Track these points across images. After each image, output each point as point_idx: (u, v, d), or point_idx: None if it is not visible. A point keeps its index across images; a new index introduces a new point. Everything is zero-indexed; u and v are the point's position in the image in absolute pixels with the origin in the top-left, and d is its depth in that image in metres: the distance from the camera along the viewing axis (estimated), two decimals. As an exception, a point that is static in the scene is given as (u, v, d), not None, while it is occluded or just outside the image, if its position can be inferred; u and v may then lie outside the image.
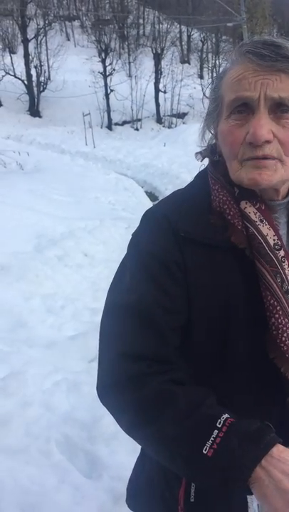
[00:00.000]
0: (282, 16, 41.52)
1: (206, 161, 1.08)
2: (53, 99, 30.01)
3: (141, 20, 40.12)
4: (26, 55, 29.57)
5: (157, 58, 31.04)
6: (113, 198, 10.01)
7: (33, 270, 4.88)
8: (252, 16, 28.23)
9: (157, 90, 30.37)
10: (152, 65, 31.11)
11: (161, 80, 30.95)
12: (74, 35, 41.00)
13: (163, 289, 0.94)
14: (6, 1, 30.88)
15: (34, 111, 30.11)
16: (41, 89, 30.48)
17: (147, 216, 1.03)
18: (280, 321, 0.91)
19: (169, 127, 28.75)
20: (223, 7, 21.50)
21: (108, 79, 29.56)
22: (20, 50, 31.07)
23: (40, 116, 30.05)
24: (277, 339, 0.91)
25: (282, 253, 0.93)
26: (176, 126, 27.91)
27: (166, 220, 0.97)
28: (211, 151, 1.04)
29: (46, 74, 31.17)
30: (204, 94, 30.64)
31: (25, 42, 29.82)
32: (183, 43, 39.90)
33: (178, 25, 37.50)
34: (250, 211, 0.94)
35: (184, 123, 28.52)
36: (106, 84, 29.54)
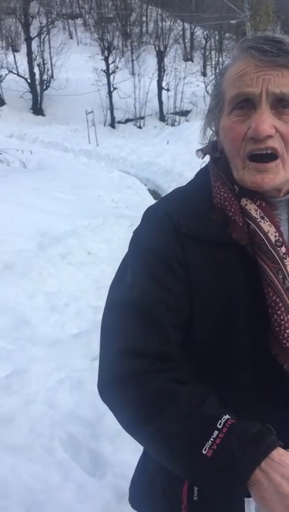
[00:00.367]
0: (286, 13, 41.32)
1: (207, 158, 1.07)
2: (56, 97, 30.02)
3: (144, 18, 40.03)
4: (29, 53, 29.56)
5: (160, 56, 30.97)
6: (116, 196, 10.01)
7: (36, 268, 4.88)
8: (255, 13, 28.14)
9: (160, 88, 30.31)
10: (155, 62, 31.04)
11: (164, 77, 30.88)
12: (77, 33, 40.95)
13: (165, 286, 0.93)
14: (9, 0, 30.88)
15: (37, 109, 30.12)
16: (44, 87, 30.49)
17: (149, 213, 1.03)
18: (282, 317, 0.91)
19: (172, 125, 28.69)
20: (226, 4, 21.44)
21: (111, 77, 29.53)
22: (24, 49, 31.06)
23: (43, 115, 30.06)
24: (279, 336, 0.91)
25: (283, 250, 0.93)
26: (179, 124, 27.88)
27: (168, 217, 0.97)
28: (213, 148, 1.04)
29: (49, 72, 31.17)
30: (207, 91, 30.57)
31: (28, 40, 29.81)
32: (186, 41, 39.77)
33: (181, 23, 37.39)
34: (251, 208, 0.94)
35: (187, 121, 28.47)
36: (109, 82, 29.50)
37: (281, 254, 0.92)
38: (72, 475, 2.31)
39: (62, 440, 2.50)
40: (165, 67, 31.10)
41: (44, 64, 30.67)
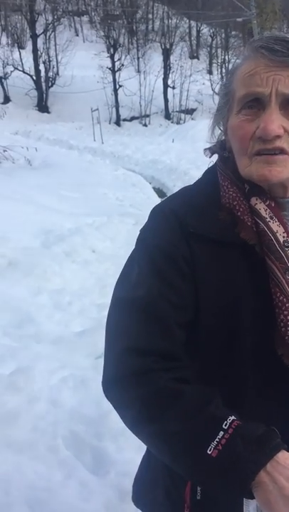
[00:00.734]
0: (293, 11, 41.13)
1: (215, 157, 1.07)
2: (62, 94, 30.04)
3: (150, 16, 39.98)
4: (35, 50, 29.60)
5: (166, 54, 30.93)
6: (121, 194, 10.01)
7: (40, 266, 4.89)
8: (262, 11, 28.02)
9: (166, 86, 30.28)
10: (161, 60, 31.01)
11: (170, 75, 30.86)
12: (83, 30, 40.96)
13: (170, 284, 0.94)
14: (15, -4, 30.90)
15: (42, 106, 30.15)
16: (50, 84, 30.51)
17: (155, 211, 1.03)
18: (288, 317, 0.90)
19: (178, 123, 28.68)
20: (232, 2, 21.36)
21: (117, 74, 29.52)
22: (29, 46, 31.10)
23: (48, 112, 30.09)
24: (285, 336, 0.91)
25: None
26: (184, 122, 27.85)
27: (175, 216, 0.97)
28: (221, 147, 1.04)
29: (55, 69, 31.19)
30: (213, 90, 30.59)
31: (34, 37, 29.84)
32: (192, 39, 39.72)
33: (187, 21, 37.35)
34: (261, 208, 0.94)
35: (192, 119, 28.43)
36: (114, 80, 29.50)
37: None
38: (75, 473, 2.31)
39: (65, 438, 2.51)
40: (171, 65, 31.07)
41: (50, 61, 30.69)
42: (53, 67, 31.07)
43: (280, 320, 0.91)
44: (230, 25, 32.30)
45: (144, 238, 1.02)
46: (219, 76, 31.81)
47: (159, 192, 11.40)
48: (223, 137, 1.04)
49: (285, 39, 0.89)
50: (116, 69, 29.56)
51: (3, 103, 29.20)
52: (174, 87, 30.77)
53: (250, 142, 0.92)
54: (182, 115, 30.35)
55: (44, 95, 30.27)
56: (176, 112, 30.78)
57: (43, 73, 30.20)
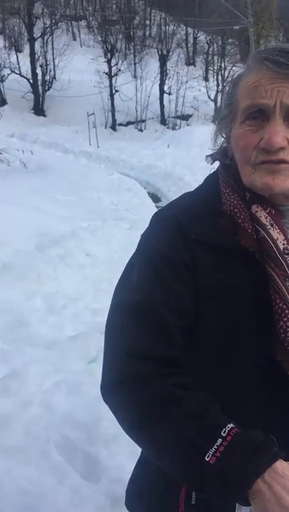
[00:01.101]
0: (289, 20, 41.49)
1: (216, 164, 1.08)
2: (58, 98, 30.05)
3: (147, 22, 40.13)
4: (32, 53, 29.60)
5: (163, 60, 31.05)
6: (116, 199, 10.02)
7: (35, 269, 4.87)
8: (258, 19, 28.20)
9: (162, 92, 30.37)
10: (158, 66, 31.11)
11: (166, 81, 30.95)
12: (80, 34, 41.03)
13: (171, 289, 0.94)
14: (13, 0, 30.94)
15: (39, 110, 30.15)
16: (46, 88, 30.52)
17: (158, 217, 1.04)
18: (288, 324, 0.91)
19: (173, 129, 28.77)
20: (229, 10, 21.52)
21: (113, 79, 29.58)
22: (27, 49, 31.10)
23: (44, 115, 30.08)
24: (284, 342, 0.91)
25: None
26: (180, 127, 27.94)
27: (176, 222, 0.98)
28: (223, 154, 1.05)
29: (52, 73, 31.21)
30: (209, 96, 30.74)
31: (32, 41, 29.85)
32: (189, 45, 39.91)
33: (184, 27, 37.51)
34: (262, 215, 0.95)
35: (188, 125, 28.51)
36: (111, 85, 29.56)
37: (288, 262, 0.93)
38: (67, 479, 2.30)
39: (57, 443, 2.49)
40: (167, 71, 31.19)
41: (47, 65, 30.70)
42: (50, 71, 31.09)
43: (279, 326, 0.91)
44: (227, 32, 32.45)
45: (145, 243, 1.02)
46: (215, 83, 31.93)
47: (154, 197, 11.42)
48: (225, 144, 1.04)
49: None
50: (113, 74, 29.62)
51: (-1, 105, 29.19)
52: (170, 93, 30.85)
53: (253, 152, 0.93)
54: (178, 121, 30.44)
55: (40, 98, 30.26)
56: (172, 117, 30.87)
57: (39, 77, 30.20)
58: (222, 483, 0.79)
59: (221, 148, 1.06)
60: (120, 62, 30.43)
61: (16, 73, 29.49)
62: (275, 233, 0.94)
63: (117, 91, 29.40)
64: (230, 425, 0.83)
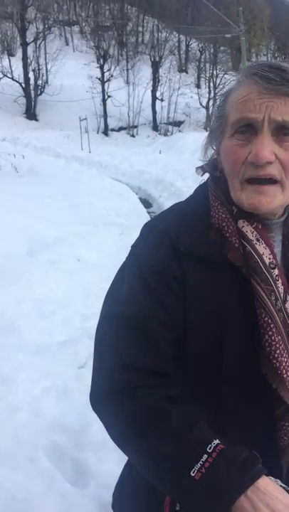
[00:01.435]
0: (280, 29, 41.96)
1: (205, 175, 1.09)
2: (50, 102, 30.07)
3: (140, 28, 40.38)
4: (25, 58, 29.63)
5: (155, 66, 31.23)
6: (107, 204, 10.01)
7: (25, 274, 4.85)
8: (250, 28, 28.49)
9: (154, 98, 30.52)
10: (150, 72, 31.28)
11: (159, 87, 31.12)
12: (73, 40, 41.15)
13: (160, 302, 0.95)
14: (6, 4, 30.96)
15: (31, 114, 30.14)
16: (38, 92, 30.54)
17: (148, 229, 1.05)
18: (273, 338, 0.92)
19: (165, 135, 28.91)
20: (222, 18, 21.68)
21: (106, 85, 29.68)
22: (19, 53, 31.12)
23: (36, 120, 30.07)
24: (270, 355, 0.93)
25: (276, 271, 0.95)
26: (172, 134, 28.09)
27: (167, 234, 0.98)
28: (213, 167, 1.06)
29: (44, 77, 31.26)
30: (201, 103, 30.93)
31: (24, 45, 29.88)
32: (181, 52, 40.18)
33: (177, 35, 37.76)
34: (248, 230, 0.96)
35: (180, 131, 28.68)
36: (103, 90, 29.65)
37: (274, 276, 0.95)
38: (55, 484, 2.29)
39: (46, 449, 2.49)
40: (160, 78, 31.36)
41: (39, 69, 30.75)
42: (43, 76, 31.14)
43: (264, 340, 0.93)
44: (219, 40, 32.74)
45: (135, 254, 1.03)
46: (207, 90, 32.16)
47: (145, 202, 11.43)
48: (215, 156, 1.05)
49: (280, 67, 0.91)
50: (105, 79, 29.72)
51: (-9, 109, 29.12)
52: (162, 100, 31.01)
53: (242, 167, 0.93)
54: (170, 127, 30.60)
55: (33, 103, 30.27)
56: (164, 123, 31.02)
57: (32, 81, 30.22)
58: (206, 498, 0.81)
59: (211, 160, 1.07)
60: (113, 67, 30.56)
61: (8, 77, 29.48)
62: (261, 248, 0.95)
63: (109, 96, 29.49)
64: (216, 441, 0.84)
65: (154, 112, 30.56)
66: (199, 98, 31.30)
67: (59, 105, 29.81)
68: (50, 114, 30.11)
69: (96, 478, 2.33)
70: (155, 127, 30.89)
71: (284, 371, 0.93)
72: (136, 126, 30.11)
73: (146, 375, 0.91)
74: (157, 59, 31.82)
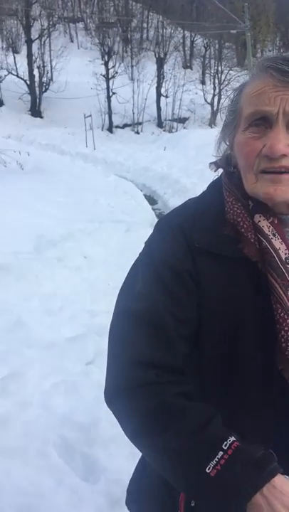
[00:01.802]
0: (286, 24, 41.75)
1: (216, 170, 1.09)
2: (55, 100, 30.07)
3: (145, 25, 40.30)
4: (29, 55, 29.64)
5: (160, 63, 31.16)
6: (112, 201, 10.01)
7: (32, 271, 4.88)
8: (255, 23, 28.37)
9: (159, 94, 30.47)
10: (155, 69, 31.22)
11: (163, 84, 31.07)
12: (78, 37, 41.12)
13: (174, 298, 0.95)
14: (11, 1, 30.96)
15: (35, 111, 30.16)
16: (43, 89, 30.56)
17: (162, 225, 1.04)
18: None
19: (170, 131, 28.84)
20: (227, 14, 21.61)
21: (110, 81, 29.65)
22: (24, 50, 31.15)
23: (41, 117, 30.10)
24: (285, 351, 0.92)
25: None
26: (176, 130, 28.02)
27: (181, 230, 0.99)
28: (226, 162, 1.06)
29: (49, 75, 31.25)
30: (206, 99, 30.84)
31: (29, 42, 29.89)
32: (186, 49, 40.06)
33: (181, 31, 37.67)
34: (264, 225, 0.96)
35: (184, 128, 28.63)
36: (108, 87, 29.63)
37: None
38: (65, 479, 2.30)
39: (56, 444, 2.50)
40: (164, 74, 31.30)
41: (44, 66, 30.75)
42: (47, 73, 31.13)
43: (280, 336, 0.92)
44: (224, 36, 32.63)
45: (149, 251, 1.02)
46: (212, 86, 32.07)
47: (150, 199, 11.41)
48: (229, 151, 1.05)
49: None
50: (110, 76, 29.69)
51: (-4, 107, 29.19)
52: (166, 96, 30.96)
53: (256, 159, 0.93)
54: (174, 124, 30.55)
55: (37, 100, 30.29)
56: (169, 120, 30.97)
57: (37, 78, 30.23)
58: (221, 495, 0.81)
59: (224, 156, 1.06)
60: (117, 64, 30.52)
61: (13, 74, 29.51)
62: (277, 243, 0.95)
63: (114, 93, 29.47)
64: (232, 438, 0.84)
65: (159, 109, 30.51)
66: (204, 94, 31.20)
67: (64, 102, 29.81)
68: (54, 111, 30.12)
69: (106, 473, 2.34)
70: (160, 124, 30.84)
71: None
72: (140, 123, 30.08)
73: (162, 371, 0.91)
74: (162, 55, 31.74)
